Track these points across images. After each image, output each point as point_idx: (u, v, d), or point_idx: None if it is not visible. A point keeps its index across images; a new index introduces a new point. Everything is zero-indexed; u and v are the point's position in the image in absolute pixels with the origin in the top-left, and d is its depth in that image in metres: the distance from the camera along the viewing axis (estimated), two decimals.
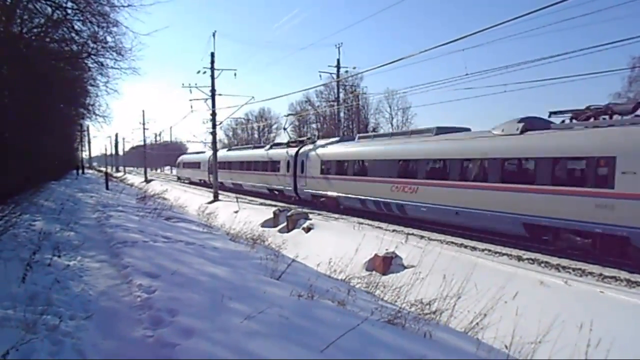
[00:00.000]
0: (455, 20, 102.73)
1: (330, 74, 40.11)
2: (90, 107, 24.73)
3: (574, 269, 12.33)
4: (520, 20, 12.16)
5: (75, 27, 14.45)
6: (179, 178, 60.19)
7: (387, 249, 13.21)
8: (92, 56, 15.62)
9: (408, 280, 8.81)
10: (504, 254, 14.20)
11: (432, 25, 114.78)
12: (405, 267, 12.55)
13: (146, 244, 9.35)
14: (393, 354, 4.26)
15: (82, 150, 65.60)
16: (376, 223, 20.61)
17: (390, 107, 79.14)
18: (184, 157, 60.04)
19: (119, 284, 6.26)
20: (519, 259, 13.63)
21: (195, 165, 49.74)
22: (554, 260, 13.20)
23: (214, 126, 35.00)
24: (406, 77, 79.37)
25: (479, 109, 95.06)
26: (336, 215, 23.40)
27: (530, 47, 67.71)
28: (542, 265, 12.92)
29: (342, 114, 63.06)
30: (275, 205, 25.28)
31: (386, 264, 12.80)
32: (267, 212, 22.36)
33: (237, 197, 29.44)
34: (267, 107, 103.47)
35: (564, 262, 13.05)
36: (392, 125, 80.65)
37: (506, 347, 5.23)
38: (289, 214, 20.16)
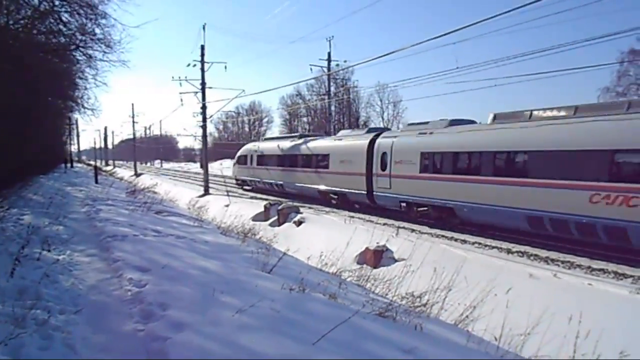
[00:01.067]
0: (447, 14, 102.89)
1: (321, 67, 40.00)
2: (78, 100, 24.40)
3: (562, 262, 12.47)
4: (512, 13, 12.17)
5: (63, 18, 14.25)
6: (242, 182, 36.42)
7: (378, 243, 13.26)
8: (81, 48, 15.43)
9: (399, 274, 8.84)
10: (494, 247, 14.31)
11: (423, 19, 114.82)
12: (396, 261, 12.60)
13: (136, 238, 9.29)
14: (384, 347, 4.28)
15: (70, 144, 64.79)
16: (367, 216, 20.67)
17: (381, 100, 79.28)
18: (263, 146, 33.65)
19: (109, 278, 6.23)
20: (509, 251, 13.75)
21: (300, 160, 27.79)
22: (543, 253, 13.33)
23: (204, 119, 34.86)
24: (397, 71, 79.62)
25: (471, 103, 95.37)
26: (327, 209, 23.41)
27: (522, 41, 67.96)
28: (531, 258, 13.04)
29: (333, 108, 63.02)
30: (267, 199, 25.25)
31: (377, 257, 12.84)
32: (258, 206, 22.33)
33: (227, 191, 29.36)
34: (257, 100, 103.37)
35: (553, 254, 13.18)
36: (382, 119, 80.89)
37: (496, 338, 5.28)
38: (279, 207, 20.16)
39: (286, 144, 30.19)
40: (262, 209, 21.27)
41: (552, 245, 14.00)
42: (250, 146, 36.36)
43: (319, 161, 25.71)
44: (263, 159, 32.44)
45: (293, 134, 33.35)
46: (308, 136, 30.63)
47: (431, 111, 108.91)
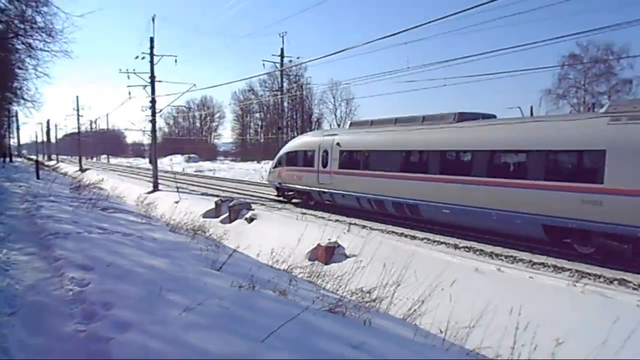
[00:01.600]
0: (403, 14, 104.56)
1: (274, 63, 39.82)
2: (17, 92, 23.28)
3: (506, 256, 12.96)
4: (462, 15, 12.46)
5: (0, 4, 13.54)
6: (291, 194, 24.58)
7: (329, 239, 13.34)
8: (20, 37, 14.70)
9: (350, 270, 8.94)
10: (441, 243, 14.69)
11: (379, 18, 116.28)
12: (347, 257, 12.73)
13: (80, 236, 8.94)
14: (333, 342, 4.31)
15: (10, 137, 61.69)
16: (319, 213, 20.76)
17: (334, 98, 79.96)
18: (352, 138, 20.87)
19: (49, 277, 5.95)
20: (456, 247, 14.16)
21: (480, 161, 14.96)
22: (488, 248, 13.81)
23: (153, 114, 33.92)
24: (351, 69, 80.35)
25: (421, 102, 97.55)
26: (279, 206, 23.35)
27: (474, 42, 70.20)
28: (477, 253, 13.48)
29: (286, 104, 62.87)
30: (217, 196, 24.90)
31: (328, 253, 12.92)
32: (209, 203, 22.00)
33: (177, 187, 28.75)
34: (209, 95, 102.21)
35: (497, 249, 13.68)
36: (335, 116, 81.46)
37: (441, 331, 5.42)
38: (231, 204, 19.93)
39: (424, 133, 17.14)
40: (213, 206, 20.97)
41: (497, 240, 14.52)
42: (315, 139, 22.83)
43: (557, 166, 13.48)
44: (358, 159, 20.01)
45: (439, 114, 17.16)
46: (475, 117, 16.33)
47: (383, 109, 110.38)
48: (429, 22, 13.66)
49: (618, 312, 6.98)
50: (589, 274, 11.21)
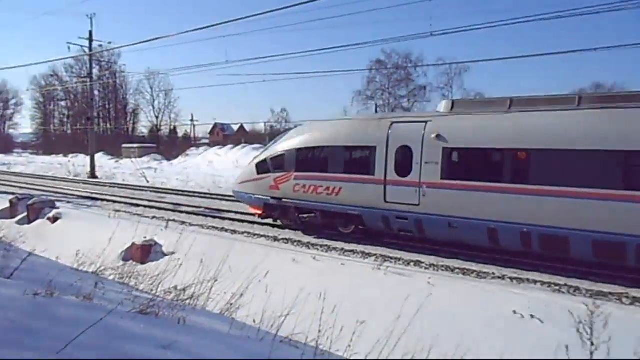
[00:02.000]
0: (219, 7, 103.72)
1: (82, 46, 36.28)
2: None
3: (321, 246, 13.80)
4: (281, 13, 12.78)
5: None
6: (302, 216, 15.17)
7: (145, 237, 12.73)
8: None
9: (168, 268, 8.62)
10: (261, 236, 15.04)
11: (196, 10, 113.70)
12: (165, 255, 12.31)
13: None
14: (142, 344, 4.10)
15: None
16: (134, 209, 19.65)
17: (151, 88, 76.19)
18: (473, 128, 12.20)
19: None
20: (275, 239, 14.62)
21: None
22: (305, 239, 14.55)
23: None
24: (169, 60, 77.47)
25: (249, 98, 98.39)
26: (89, 203, 21.48)
27: (297, 40, 73.05)
28: (295, 244, 14.11)
29: (96, 92, 57.85)
30: (14, 193, 21.84)
31: (145, 252, 12.34)
32: (3, 202, 19.23)
33: None
34: (2, 78, 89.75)
35: (313, 240, 14.50)
36: (154, 107, 77.85)
37: (255, 321, 5.56)
38: (30, 202, 17.70)
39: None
40: (8, 205, 18.40)
41: (312, 233, 15.36)
42: (371, 127, 14.07)
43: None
44: (499, 163, 11.95)
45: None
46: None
47: (206, 102, 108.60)
48: (245, 17, 13.87)
49: (412, 289, 7.95)
50: (391, 258, 12.54)
